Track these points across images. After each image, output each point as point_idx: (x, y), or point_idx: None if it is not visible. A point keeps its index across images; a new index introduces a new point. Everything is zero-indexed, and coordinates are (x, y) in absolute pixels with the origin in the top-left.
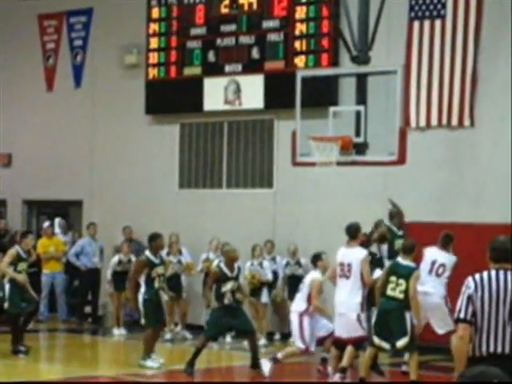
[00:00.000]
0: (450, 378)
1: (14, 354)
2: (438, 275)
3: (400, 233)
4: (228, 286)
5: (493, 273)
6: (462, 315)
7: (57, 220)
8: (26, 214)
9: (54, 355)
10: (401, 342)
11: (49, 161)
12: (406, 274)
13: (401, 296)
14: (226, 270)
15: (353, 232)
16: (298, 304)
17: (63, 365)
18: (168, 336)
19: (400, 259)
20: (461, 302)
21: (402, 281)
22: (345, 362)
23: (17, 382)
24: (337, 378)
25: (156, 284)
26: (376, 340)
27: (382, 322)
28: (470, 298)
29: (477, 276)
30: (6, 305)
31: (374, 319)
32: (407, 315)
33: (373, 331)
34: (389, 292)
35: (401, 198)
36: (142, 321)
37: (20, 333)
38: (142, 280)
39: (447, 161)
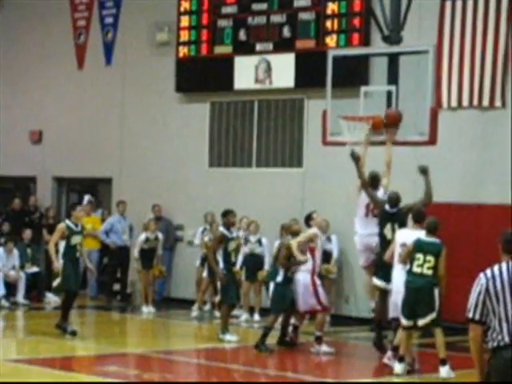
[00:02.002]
0: None
1: (62, 332)
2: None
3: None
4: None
5: (504, 265)
6: (471, 315)
7: (86, 197)
8: (55, 191)
9: (82, 332)
10: (428, 318)
11: (79, 138)
12: (435, 250)
13: (429, 272)
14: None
15: (417, 217)
16: (306, 265)
17: (92, 342)
18: (195, 313)
19: (423, 237)
20: (471, 300)
21: (430, 257)
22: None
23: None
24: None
25: (232, 259)
26: (404, 321)
27: (411, 300)
28: (480, 295)
29: (488, 271)
30: (57, 281)
31: (402, 298)
32: (436, 292)
33: (401, 312)
34: (415, 269)
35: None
36: (219, 297)
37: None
38: (220, 255)
39: (478, 141)
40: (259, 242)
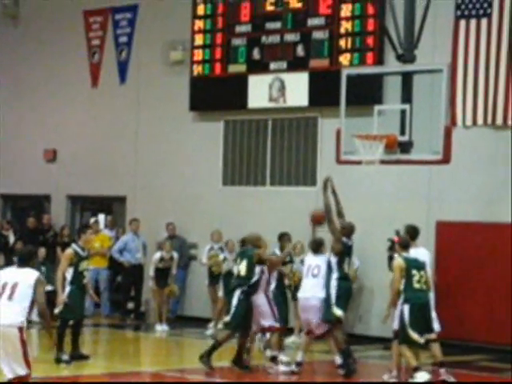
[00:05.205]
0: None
1: (57, 362)
2: (314, 276)
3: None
4: None
5: None
6: None
7: (100, 216)
8: (69, 209)
9: (96, 350)
10: (435, 333)
11: (93, 157)
12: (422, 265)
13: (425, 287)
14: None
15: (414, 234)
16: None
17: (106, 360)
18: (210, 331)
19: (404, 254)
20: None
21: (422, 272)
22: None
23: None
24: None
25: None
26: (415, 336)
27: (420, 315)
28: None
29: None
30: (59, 308)
31: (407, 315)
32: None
33: (410, 328)
34: (416, 285)
35: (444, 197)
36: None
37: (76, 338)
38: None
39: (492, 160)
40: None
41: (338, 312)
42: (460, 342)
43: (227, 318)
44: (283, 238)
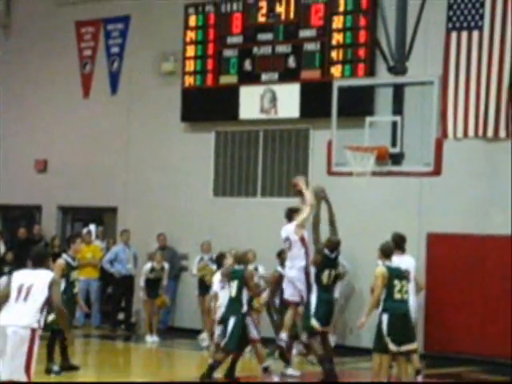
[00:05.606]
0: None
1: (47, 373)
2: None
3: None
4: None
5: None
6: None
7: (91, 227)
8: (60, 220)
9: (87, 361)
10: (414, 344)
11: (84, 167)
12: (404, 275)
13: (406, 297)
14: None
15: (401, 242)
16: None
17: (96, 371)
18: (206, 343)
19: (387, 262)
20: None
21: (404, 282)
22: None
23: None
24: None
25: None
26: (393, 347)
27: (400, 326)
28: None
29: None
30: (52, 316)
31: (386, 325)
32: None
33: (388, 338)
34: (397, 296)
35: (435, 209)
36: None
37: (65, 349)
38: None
39: (482, 172)
40: (256, 270)
41: (314, 323)
42: (449, 353)
43: (224, 342)
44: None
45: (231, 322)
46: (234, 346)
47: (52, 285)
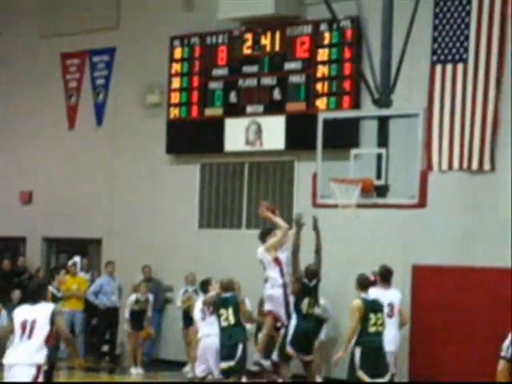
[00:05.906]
0: None
1: None
2: None
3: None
4: None
5: None
6: (502, 353)
7: (76, 258)
8: (45, 251)
9: None
10: (387, 377)
11: (69, 199)
12: (379, 308)
13: (381, 329)
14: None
15: (388, 275)
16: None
17: None
18: (191, 375)
19: (363, 295)
20: (507, 341)
21: (379, 315)
22: None
23: None
24: None
25: None
26: (363, 376)
27: (372, 359)
28: None
29: None
30: None
31: (359, 358)
32: None
33: (360, 371)
34: (371, 329)
35: (420, 241)
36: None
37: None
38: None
39: (467, 205)
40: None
41: (288, 349)
42: None
43: (232, 364)
44: None
45: (239, 348)
46: (241, 369)
47: (54, 315)
